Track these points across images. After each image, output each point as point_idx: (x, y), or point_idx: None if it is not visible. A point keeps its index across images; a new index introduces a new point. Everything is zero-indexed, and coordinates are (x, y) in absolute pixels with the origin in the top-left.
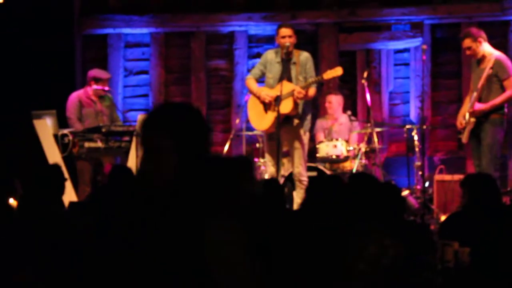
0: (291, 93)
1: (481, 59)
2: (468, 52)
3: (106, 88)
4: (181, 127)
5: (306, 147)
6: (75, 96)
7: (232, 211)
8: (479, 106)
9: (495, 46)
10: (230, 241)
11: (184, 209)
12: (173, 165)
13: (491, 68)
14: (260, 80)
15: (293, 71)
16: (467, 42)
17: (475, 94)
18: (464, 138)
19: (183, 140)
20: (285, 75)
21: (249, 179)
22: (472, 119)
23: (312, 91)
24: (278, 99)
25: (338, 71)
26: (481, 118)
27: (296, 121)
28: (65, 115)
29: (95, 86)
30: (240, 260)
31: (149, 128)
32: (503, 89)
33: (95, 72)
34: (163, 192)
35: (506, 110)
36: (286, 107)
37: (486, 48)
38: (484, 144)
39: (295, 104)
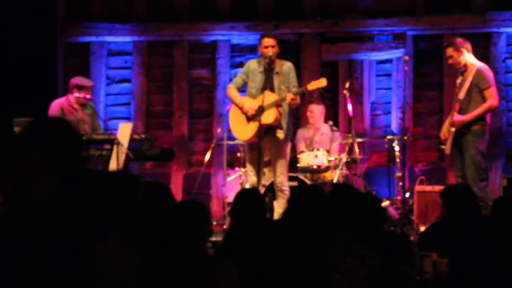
0: (274, 103)
1: (464, 70)
2: (450, 61)
3: (88, 96)
4: (53, 140)
5: (288, 157)
6: (57, 104)
7: (119, 229)
8: (459, 117)
9: (478, 57)
10: (120, 264)
11: (67, 230)
12: (49, 179)
13: (472, 78)
14: (242, 89)
15: (276, 81)
16: (449, 51)
17: (456, 104)
18: (447, 149)
19: (56, 153)
20: (267, 85)
21: (131, 194)
22: (452, 129)
23: (297, 99)
24: (260, 109)
25: (322, 82)
26: (462, 129)
27: (278, 131)
28: None
29: (77, 94)
30: (132, 281)
31: (23, 143)
32: (484, 100)
33: (77, 80)
34: (41, 210)
35: (488, 120)
36: (268, 117)
37: (468, 59)
38: (467, 156)
39: (278, 114)
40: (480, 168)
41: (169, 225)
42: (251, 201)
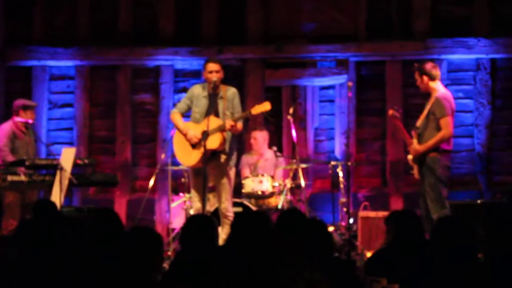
0: (218, 128)
1: (429, 97)
2: (416, 83)
3: (30, 121)
4: None
5: (232, 182)
6: (7, 128)
7: None
8: (415, 148)
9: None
10: None
11: None
12: None
13: (431, 106)
14: (186, 114)
15: (220, 106)
16: (415, 74)
17: (413, 131)
18: (415, 174)
19: None
20: (212, 110)
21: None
22: (410, 157)
23: (239, 125)
24: (205, 134)
25: (266, 106)
26: (420, 157)
27: (223, 156)
28: None
29: (19, 119)
30: None
31: None
32: (439, 128)
33: (23, 101)
34: None
35: (445, 147)
36: (213, 142)
37: (432, 85)
38: (426, 184)
39: (223, 140)
40: (440, 196)
41: (120, 252)
42: (202, 227)
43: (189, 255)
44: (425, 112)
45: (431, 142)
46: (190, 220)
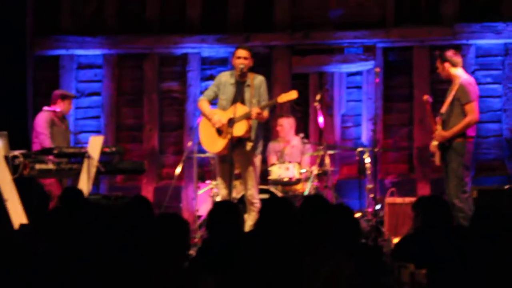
0: (245, 116)
1: (451, 84)
2: (437, 71)
3: (66, 112)
4: None
5: (258, 169)
6: (46, 116)
7: None
8: (441, 133)
9: None
10: None
11: None
12: None
13: (455, 92)
14: (213, 102)
15: (247, 93)
16: (437, 62)
17: (438, 118)
18: (437, 161)
19: None
20: (238, 98)
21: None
22: (435, 143)
23: (265, 113)
24: (231, 122)
25: (292, 94)
26: (445, 143)
27: (249, 143)
28: (24, 132)
29: (56, 108)
30: None
31: None
32: (465, 114)
33: (62, 91)
34: None
35: (471, 133)
36: (239, 129)
37: (454, 72)
38: (449, 169)
39: (249, 127)
40: (462, 180)
41: (150, 238)
42: (227, 213)
43: (215, 242)
44: (449, 98)
45: (457, 128)
46: (216, 206)
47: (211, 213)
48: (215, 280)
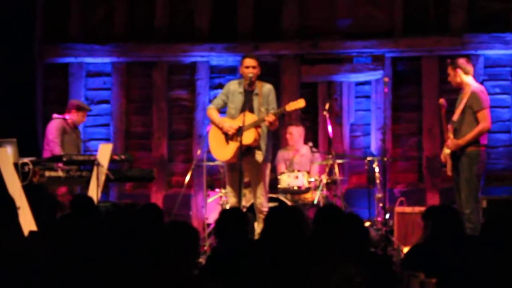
0: (254, 124)
1: (461, 91)
2: (448, 79)
3: (78, 124)
4: None
5: (268, 178)
6: (58, 124)
7: None
8: (454, 142)
9: None
10: None
11: None
12: None
13: (467, 100)
14: (222, 110)
15: (255, 102)
16: (448, 69)
17: (450, 126)
18: (448, 171)
19: None
20: (247, 106)
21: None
22: (447, 151)
23: (276, 122)
24: (240, 130)
25: (300, 103)
26: (457, 151)
27: (258, 152)
28: (33, 140)
29: (70, 117)
30: None
31: None
32: (477, 122)
33: (78, 102)
34: None
35: (483, 141)
36: (248, 138)
37: (465, 80)
38: (462, 178)
39: (257, 135)
40: (475, 190)
41: (159, 245)
42: (235, 220)
43: (223, 249)
44: (461, 106)
45: (470, 135)
46: (223, 214)
47: (219, 220)
48: (219, 287)
